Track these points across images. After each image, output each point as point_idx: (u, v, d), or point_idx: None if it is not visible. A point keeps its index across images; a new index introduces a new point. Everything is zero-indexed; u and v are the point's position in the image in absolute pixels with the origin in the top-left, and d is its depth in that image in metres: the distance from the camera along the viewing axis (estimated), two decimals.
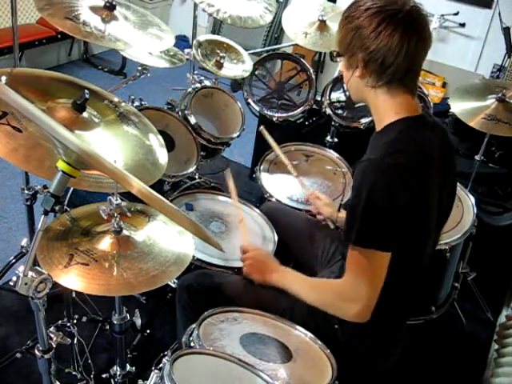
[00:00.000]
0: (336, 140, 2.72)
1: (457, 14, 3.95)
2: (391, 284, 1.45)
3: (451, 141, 1.52)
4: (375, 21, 1.29)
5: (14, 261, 2.18)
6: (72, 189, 2.11)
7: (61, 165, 1.09)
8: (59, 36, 4.09)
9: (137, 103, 2.24)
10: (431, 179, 1.36)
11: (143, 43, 1.77)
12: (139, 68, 2.34)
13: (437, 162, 1.38)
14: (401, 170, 1.29)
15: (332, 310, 1.45)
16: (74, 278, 1.25)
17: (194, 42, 2.48)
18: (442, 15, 3.96)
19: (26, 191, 2.04)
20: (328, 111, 2.65)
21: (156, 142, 1.55)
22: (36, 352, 1.32)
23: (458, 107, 2.24)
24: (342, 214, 1.84)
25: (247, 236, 1.81)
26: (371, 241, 1.32)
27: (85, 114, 1.40)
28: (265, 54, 2.77)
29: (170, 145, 2.15)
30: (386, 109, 1.38)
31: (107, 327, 2.06)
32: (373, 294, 1.36)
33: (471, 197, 2.23)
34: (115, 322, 1.59)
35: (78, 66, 4.62)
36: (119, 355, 1.69)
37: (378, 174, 1.30)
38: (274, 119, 2.69)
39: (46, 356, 1.32)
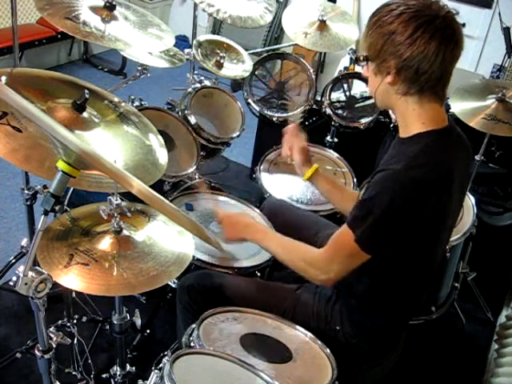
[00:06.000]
0: (336, 140, 2.72)
1: (457, 13, 3.95)
2: (396, 288, 1.46)
3: (470, 152, 1.49)
4: (411, 27, 1.24)
5: (13, 261, 2.18)
6: (72, 189, 2.11)
7: (61, 165, 1.09)
8: (59, 36, 4.09)
9: (137, 103, 2.24)
10: (450, 194, 1.34)
11: (143, 43, 1.77)
12: (139, 68, 2.34)
13: (457, 176, 1.35)
14: (421, 185, 1.27)
15: (297, 270, 1.49)
16: (74, 278, 1.25)
17: (194, 42, 2.48)
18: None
19: (26, 191, 2.04)
20: (328, 111, 2.65)
21: (156, 142, 1.55)
22: (36, 352, 1.32)
23: (457, 107, 2.24)
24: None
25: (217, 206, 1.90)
26: (370, 246, 1.33)
27: (85, 114, 1.40)
28: (265, 54, 2.77)
29: (169, 145, 2.15)
30: (413, 118, 1.34)
31: (107, 327, 2.06)
32: (340, 274, 1.40)
33: (471, 197, 2.23)
34: (115, 322, 1.59)
35: (78, 66, 4.62)
36: (119, 355, 1.69)
37: (398, 186, 1.28)
38: (274, 119, 2.69)
39: (46, 356, 1.31)
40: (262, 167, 2.32)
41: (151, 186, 1.09)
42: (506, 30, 3.46)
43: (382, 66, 1.32)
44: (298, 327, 1.51)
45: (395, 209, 1.28)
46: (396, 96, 1.34)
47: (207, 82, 2.54)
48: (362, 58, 1.37)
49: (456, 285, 2.36)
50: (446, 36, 1.25)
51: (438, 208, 1.32)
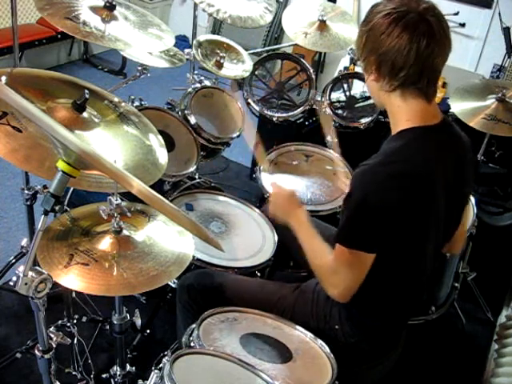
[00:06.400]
0: (336, 140, 2.72)
1: (457, 13, 3.95)
2: (392, 286, 1.46)
3: (470, 153, 1.47)
4: (385, 22, 1.27)
5: (13, 261, 2.18)
6: (72, 189, 2.11)
7: (61, 165, 1.09)
8: (59, 36, 4.09)
9: (137, 103, 2.24)
10: (429, 193, 1.33)
11: (143, 43, 1.77)
12: (139, 68, 2.34)
13: (443, 174, 1.35)
14: (394, 179, 1.29)
15: (318, 278, 1.49)
16: (74, 278, 1.25)
17: (194, 42, 2.48)
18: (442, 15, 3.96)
19: (26, 191, 2.04)
20: (328, 111, 2.65)
21: (156, 142, 1.55)
22: (36, 352, 1.32)
23: (457, 107, 2.24)
24: None
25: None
26: (354, 242, 1.34)
27: (85, 114, 1.40)
28: (265, 54, 2.77)
29: (169, 145, 2.15)
30: (399, 115, 1.36)
31: (107, 327, 2.06)
32: (351, 285, 1.39)
33: (471, 197, 2.23)
34: (115, 322, 1.60)
35: (78, 66, 4.62)
36: (119, 355, 1.69)
37: (371, 180, 1.31)
38: (274, 119, 2.69)
39: (46, 356, 1.31)
40: (262, 167, 2.32)
41: (151, 186, 1.09)
42: (506, 30, 3.46)
43: (366, 64, 1.35)
44: (297, 327, 1.51)
45: (369, 203, 1.29)
46: (382, 93, 1.36)
47: (207, 82, 2.54)
48: (356, 58, 1.39)
49: (456, 285, 2.36)
50: (419, 30, 1.25)
51: (417, 204, 1.31)
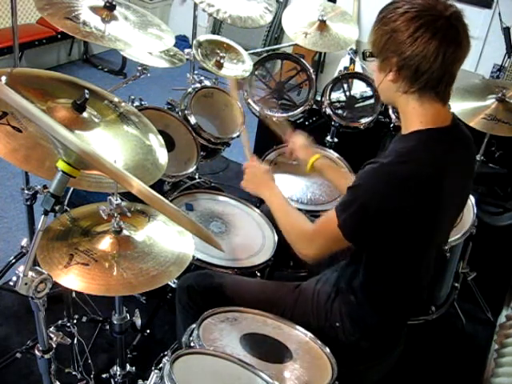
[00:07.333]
0: (336, 140, 2.72)
1: None
2: (393, 285, 1.46)
3: (474, 155, 1.50)
4: (413, 26, 1.25)
5: (13, 261, 2.18)
6: (72, 189, 2.11)
7: (61, 165, 1.09)
8: (59, 36, 4.09)
9: (137, 103, 2.24)
10: (440, 194, 1.33)
11: (143, 43, 1.77)
12: (139, 68, 2.34)
13: (452, 176, 1.35)
14: (403, 180, 1.28)
15: (288, 239, 1.54)
16: (74, 278, 1.25)
17: (194, 42, 2.48)
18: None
19: (26, 191, 2.04)
20: (328, 111, 2.65)
21: (156, 142, 1.55)
22: (36, 352, 1.32)
23: (457, 107, 2.24)
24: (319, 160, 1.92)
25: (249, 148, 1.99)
26: (352, 234, 1.36)
27: (85, 114, 1.40)
28: (265, 54, 2.77)
29: (169, 145, 2.15)
30: (413, 116, 1.35)
31: (107, 327, 2.06)
32: (321, 253, 1.46)
33: (471, 197, 2.23)
34: (115, 322, 1.60)
35: (78, 66, 4.62)
36: (119, 355, 1.69)
37: (379, 179, 1.31)
38: (274, 119, 2.69)
39: (46, 356, 1.31)
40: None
41: (151, 186, 1.09)
42: (506, 30, 3.46)
43: (385, 64, 1.33)
44: (297, 327, 1.51)
45: (374, 202, 1.30)
46: (397, 93, 1.35)
47: (207, 82, 2.54)
48: (368, 54, 1.39)
49: (456, 285, 2.36)
50: (448, 37, 1.25)
51: (421, 205, 1.31)
